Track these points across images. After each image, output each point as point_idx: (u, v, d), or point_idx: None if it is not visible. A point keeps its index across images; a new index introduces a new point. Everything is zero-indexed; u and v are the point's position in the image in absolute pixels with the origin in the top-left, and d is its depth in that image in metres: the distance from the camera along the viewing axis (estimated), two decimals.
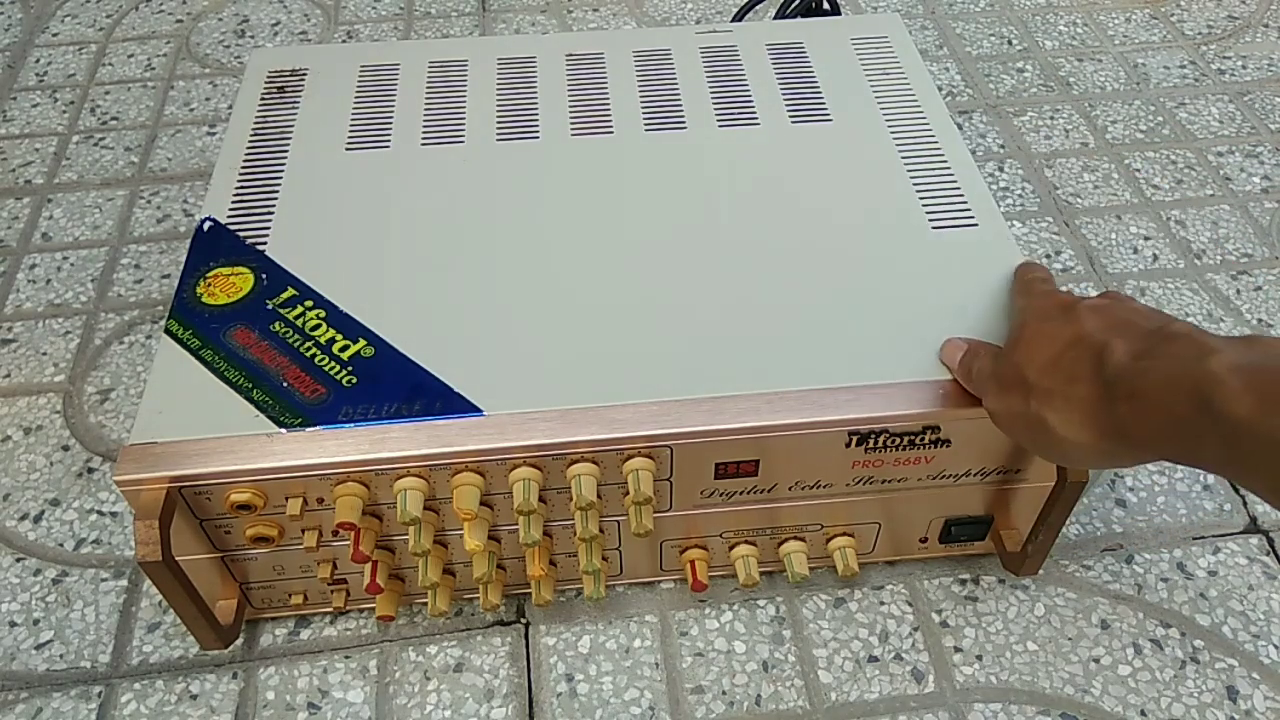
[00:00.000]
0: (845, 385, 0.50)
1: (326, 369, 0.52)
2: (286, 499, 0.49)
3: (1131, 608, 0.58)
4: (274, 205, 0.61)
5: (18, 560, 0.61)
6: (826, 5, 0.90)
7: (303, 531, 0.51)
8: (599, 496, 0.50)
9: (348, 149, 0.65)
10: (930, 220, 0.59)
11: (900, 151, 0.64)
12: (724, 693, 0.55)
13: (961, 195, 0.61)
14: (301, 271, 0.57)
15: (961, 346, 0.50)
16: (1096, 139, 0.89)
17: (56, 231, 0.82)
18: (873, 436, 0.50)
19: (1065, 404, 0.42)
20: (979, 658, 0.56)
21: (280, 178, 0.63)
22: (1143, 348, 0.40)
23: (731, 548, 0.56)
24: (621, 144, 0.65)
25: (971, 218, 0.60)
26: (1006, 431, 0.47)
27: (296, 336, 0.53)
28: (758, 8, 0.93)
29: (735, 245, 0.58)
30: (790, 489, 0.53)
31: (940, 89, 0.93)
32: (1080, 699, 0.55)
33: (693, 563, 0.56)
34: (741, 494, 0.53)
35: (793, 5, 0.89)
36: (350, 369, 0.52)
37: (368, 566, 0.52)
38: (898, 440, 0.51)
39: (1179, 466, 0.64)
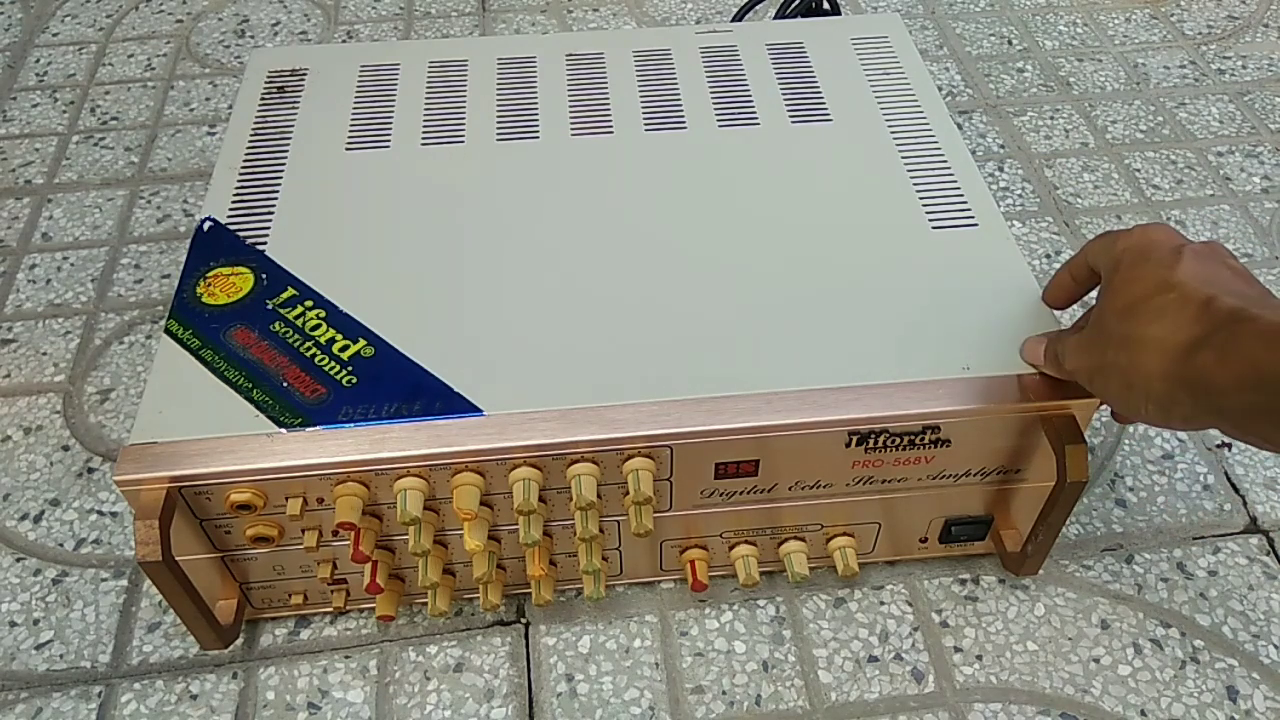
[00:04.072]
0: (845, 385, 0.50)
1: (326, 369, 0.52)
2: (286, 499, 0.49)
3: (1131, 608, 0.58)
4: (274, 205, 0.61)
5: (18, 560, 0.61)
6: (826, 5, 0.90)
7: (303, 531, 0.51)
8: (599, 496, 0.50)
9: (348, 149, 0.65)
10: (930, 220, 0.59)
11: (900, 151, 0.64)
12: (724, 693, 0.55)
13: (961, 195, 0.61)
14: (301, 271, 0.57)
15: (1042, 340, 0.50)
16: (1096, 139, 0.88)
17: (56, 231, 0.82)
18: (873, 436, 0.50)
19: (1140, 348, 0.42)
20: (979, 658, 0.56)
21: (280, 178, 0.63)
22: (1242, 306, 0.40)
23: (731, 548, 0.56)
24: (621, 144, 0.65)
25: (971, 218, 0.60)
26: (1095, 390, 0.46)
27: (296, 336, 0.53)
28: (758, 8, 0.93)
29: (735, 245, 0.58)
30: (790, 489, 0.53)
31: (940, 89, 0.93)
32: (1080, 699, 0.55)
33: (693, 563, 0.56)
34: (741, 494, 0.53)
35: (793, 5, 0.89)
36: (350, 369, 0.52)
37: (368, 566, 0.52)
38: (898, 440, 0.51)
39: (1179, 466, 0.65)
